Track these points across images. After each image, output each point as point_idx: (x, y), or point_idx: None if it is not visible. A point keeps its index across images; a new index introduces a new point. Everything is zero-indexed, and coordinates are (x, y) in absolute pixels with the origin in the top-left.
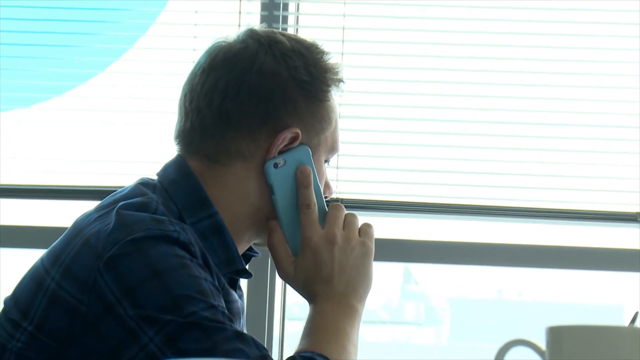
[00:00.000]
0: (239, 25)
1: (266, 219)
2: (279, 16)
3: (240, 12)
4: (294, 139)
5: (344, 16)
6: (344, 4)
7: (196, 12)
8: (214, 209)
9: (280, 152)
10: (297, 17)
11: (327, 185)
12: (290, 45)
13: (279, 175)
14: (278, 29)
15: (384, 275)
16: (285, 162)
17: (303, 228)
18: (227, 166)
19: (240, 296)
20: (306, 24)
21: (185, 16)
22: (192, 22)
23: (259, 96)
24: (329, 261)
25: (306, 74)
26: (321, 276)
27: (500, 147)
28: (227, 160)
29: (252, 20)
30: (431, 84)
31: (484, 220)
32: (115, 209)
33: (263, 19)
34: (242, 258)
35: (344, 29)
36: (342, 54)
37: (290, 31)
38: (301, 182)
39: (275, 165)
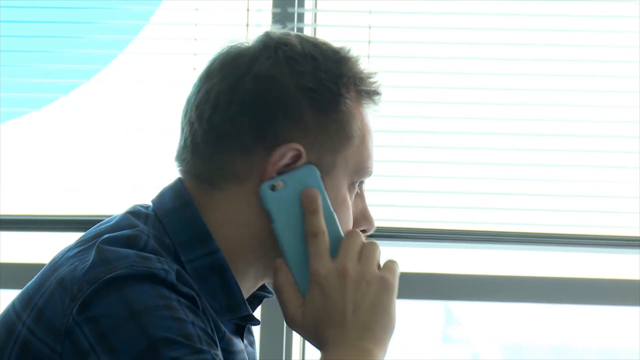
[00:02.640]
0: (247, 25)
1: (272, 253)
2: (293, 13)
3: (248, 10)
4: (296, 157)
5: (369, 13)
6: None
7: (197, 10)
8: (214, 245)
9: (280, 173)
10: (315, 15)
11: (363, 218)
12: (302, 48)
13: (278, 200)
14: (293, 28)
15: (421, 317)
16: (285, 184)
17: (311, 261)
18: (222, 190)
19: (252, 342)
20: (326, 22)
21: (183, 15)
22: (192, 22)
23: (254, 106)
24: (340, 299)
25: (313, 80)
26: (332, 318)
27: (558, 164)
28: (222, 183)
29: (262, 18)
30: (474, 92)
31: (540, 250)
32: (97, 244)
33: (275, 17)
34: (247, 302)
35: (370, 12)
36: (369, 57)
37: (308, 31)
38: (307, 208)
39: (273, 188)
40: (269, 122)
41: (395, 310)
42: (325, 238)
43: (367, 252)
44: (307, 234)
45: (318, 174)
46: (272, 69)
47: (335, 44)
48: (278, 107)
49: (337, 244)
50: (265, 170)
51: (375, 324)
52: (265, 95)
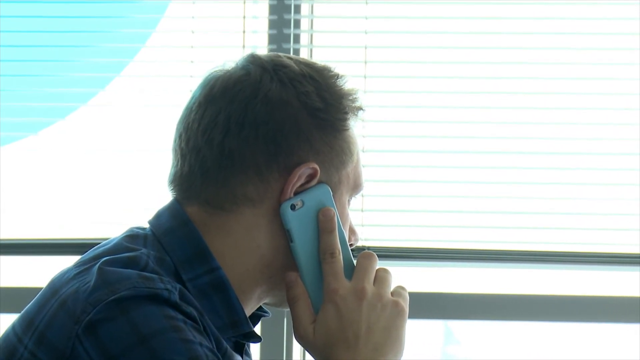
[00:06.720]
0: (243, 47)
1: (280, 273)
2: (290, 20)
3: (244, 32)
4: (311, 176)
5: (366, 18)
6: (366, 3)
7: (193, 32)
8: (215, 263)
9: (296, 193)
10: (312, 21)
11: (351, 231)
12: (299, 69)
13: (297, 219)
14: (289, 34)
15: (421, 335)
16: (303, 203)
17: (326, 280)
18: (232, 213)
19: None
20: (322, 28)
21: (180, 37)
22: (189, 44)
23: (267, 129)
24: (356, 320)
25: (319, 101)
26: (345, 338)
27: (557, 181)
28: (232, 207)
29: (259, 40)
30: (474, 110)
31: (541, 268)
32: (98, 265)
33: (272, 24)
34: (249, 319)
35: (366, 32)
36: (365, 77)
37: (304, 37)
38: (324, 227)
39: (293, 207)
40: (282, 143)
41: (405, 337)
42: (341, 257)
43: (381, 277)
44: (324, 253)
45: (331, 192)
46: (279, 91)
47: (319, 62)
48: (290, 129)
49: (348, 264)
50: (283, 190)
51: (387, 347)
52: (276, 118)
